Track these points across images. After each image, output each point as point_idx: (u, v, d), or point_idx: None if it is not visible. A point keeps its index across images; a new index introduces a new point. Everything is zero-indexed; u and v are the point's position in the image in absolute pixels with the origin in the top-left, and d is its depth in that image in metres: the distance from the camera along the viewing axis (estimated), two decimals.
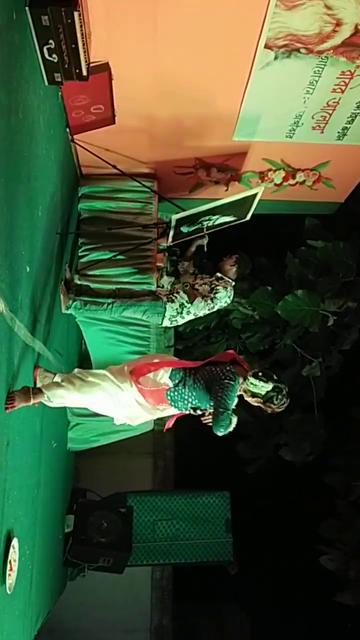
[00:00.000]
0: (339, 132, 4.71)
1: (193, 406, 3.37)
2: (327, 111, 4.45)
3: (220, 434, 3.29)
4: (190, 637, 7.11)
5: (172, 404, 3.40)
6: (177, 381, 3.36)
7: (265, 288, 5.87)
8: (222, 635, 7.36)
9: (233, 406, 3.33)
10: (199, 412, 3.39)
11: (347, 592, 5.77)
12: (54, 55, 3.29)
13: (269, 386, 3.30)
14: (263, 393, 3.31)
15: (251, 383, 3.31)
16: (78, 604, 6.00)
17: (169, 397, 3.38)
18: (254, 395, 3.34)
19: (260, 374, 3.33)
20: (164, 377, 3.37)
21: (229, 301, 4.73)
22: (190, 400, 3.37)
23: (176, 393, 3.36)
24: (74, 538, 5.32)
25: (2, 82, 2.69)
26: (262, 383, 3.30)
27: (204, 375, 3.37)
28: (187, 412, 3.42)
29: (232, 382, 3.29)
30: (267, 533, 6.71)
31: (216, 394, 3.27)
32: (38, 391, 3.25)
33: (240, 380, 3.35)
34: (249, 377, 3.33)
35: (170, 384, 3.37)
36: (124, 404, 3.41)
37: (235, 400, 3.36)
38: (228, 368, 3.36)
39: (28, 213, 3.31)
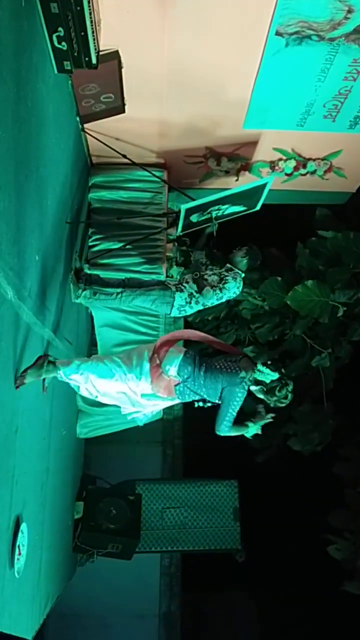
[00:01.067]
0: (350, 121, 4.66)
1: (202, 399, 3.39)
2: (339, 99, 4.41)
3: (220, 434, 3.38)
4: (198, 624, 7.19)
5: (180, 397, 3.41)
6: (186, 377, 3.34)
7: (275, 278, 5.84)
8: (230, 622, 7.42)
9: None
10: (208, 404, 3.41)
11: (355, 582, 5.78)
12: (63, 43, 3.29)
13: (275, 375, 3.30)
14: (267, 381, 3.32)
15: (258, 370, 3.32)
16: (87, 590, 6.08)
17: (177, 392, 3.38)
18: (257, 383, 3.34)
19: (269, 362, 3.33)
20: (171, 371, 3.35)
21: (238, 292, 4.72)
22: (200, 394, 3.38)
23: (185, 388, 3.37)
24: (83, 524, 5.39)
25: (11, 70, 2.69)
26: (268, 371, 3.30)
27: (214, 372, 3.34)
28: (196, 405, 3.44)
29: (243, 391, 3.32)
30: (275, 522, 6.74)
31: (226, 405, 3.31)
32: (52, 365, 3.24)
33: (249, 374, 3.35)
34: (258, 365, 3.33)
35: (179, 379, 3.35)
36: (134, 390, 3.39)
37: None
38: (241, 373, 3.34)
39: (37, 202, 3.33)
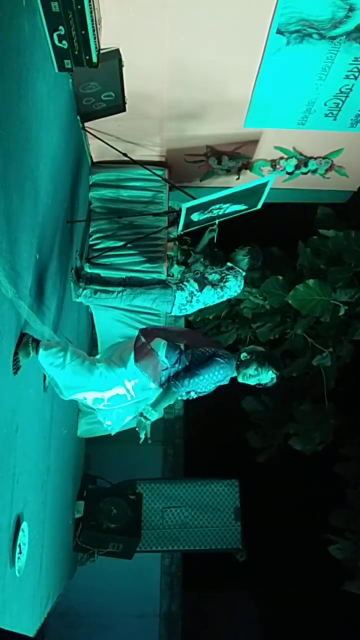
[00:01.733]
0: (352, 119, 4.65)
1: (188, 390, 3.25)
2: (340, 98, 4.40)
3: (174, 393, 3.20)
4: (198, 623, 7.18)
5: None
6: (173, 361, 3.22)
7: (276, 277, 5.84)
8: (230, 622, 7.41)
9: (196, 392, 3.24)
10: (193, 395, 3.28)
11: (356, 582, 5.78)
12: (64, 42, 3.28)
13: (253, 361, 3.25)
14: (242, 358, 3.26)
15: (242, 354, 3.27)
16: (88, 589, 6.08)
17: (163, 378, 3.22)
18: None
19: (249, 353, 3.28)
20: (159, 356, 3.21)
21: (239, 290, 4.72)
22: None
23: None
24: (84, 524, 5.39)
25: (12, 69, 2.69)
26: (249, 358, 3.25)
27: (199, 357, 3.23)
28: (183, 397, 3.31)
29: (223, 363, 3.19)
30: (276, 521, 6.73)
31: (202, 371, 3.17)
32: (35, 342, 3.08)
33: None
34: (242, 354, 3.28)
35: (166, 365, 3.21)
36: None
37: (207, 388, 3.25)
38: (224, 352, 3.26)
39: (38, 201, 3.32)
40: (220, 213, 4.57)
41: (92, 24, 3.24)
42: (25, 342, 3.00)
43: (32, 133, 3.12)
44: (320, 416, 6.01)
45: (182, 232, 4.70)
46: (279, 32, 3.80)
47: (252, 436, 6.49)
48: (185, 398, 3.32)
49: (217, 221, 4.55)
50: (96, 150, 4.99)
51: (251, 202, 4.66)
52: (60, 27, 3.22)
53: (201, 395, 3.33)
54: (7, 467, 2.83)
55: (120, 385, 3.24)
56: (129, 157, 4.80)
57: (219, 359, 3.21)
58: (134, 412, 3.39)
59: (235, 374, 3.28)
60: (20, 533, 3.02)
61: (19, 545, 3.00)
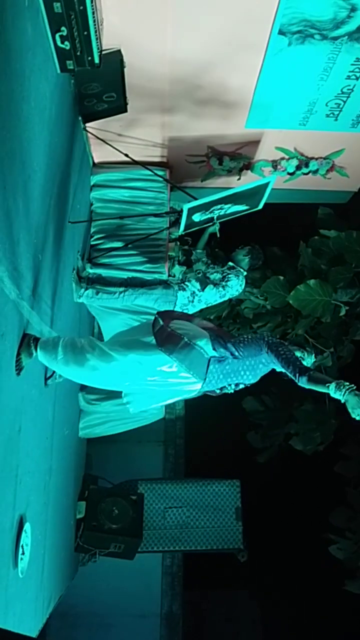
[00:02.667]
0: (353, 120, 4.65)
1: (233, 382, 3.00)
2: (342, 98, 4.40)
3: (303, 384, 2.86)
4: (199, 623, 7.19)
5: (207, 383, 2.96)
6: (222, 354, 2.92)
7: (277, 278, 5.84)
8: (231, 622, 7.43)
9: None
10: (240, 386, 3.05)
11: (356, 581, 5.79)
12: (66, 43, 3.28)
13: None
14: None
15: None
16: (89, 589, 6.08)
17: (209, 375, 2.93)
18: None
19: None
20: (205, 344, 2.92)
21: (240, 290, 4.72)
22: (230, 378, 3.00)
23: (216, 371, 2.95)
24: (85, 524, 5.38)
25: (14, 70, 2.69)
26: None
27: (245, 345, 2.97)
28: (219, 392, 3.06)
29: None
30: (277, 521, 6.74)
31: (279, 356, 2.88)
32: (37, 341, 3.00)
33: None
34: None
35: (213, 354, 2.91)
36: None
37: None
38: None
39: (40, 202, 3.33)
40: (221, 213, 4.57)
41: (94, 24, 3.24)
42: (27, 343, 2.98)
43: (35, 134, 3.12)
44: (321, 416, 6.02)
45: (183, 233, 4.70)
46: (280, 32, 3.80)
47: (252, 436, 6.49)
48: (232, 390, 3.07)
49: (216, 216, 4.50)
50: (97, 151, 4.99)
51: (252, 203, 4.67)
52: (63, 28, 3.22)
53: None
54: (10, 467, 2.83)
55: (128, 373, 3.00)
56: (130, 158, 4.80)
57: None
58: (165, 398, 3.19)
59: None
60: (23, 534, 3.02)
61: (22, 546, 3.00)
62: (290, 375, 2.86)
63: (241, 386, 3.06)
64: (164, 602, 6.53)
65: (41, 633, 3.83)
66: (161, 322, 3.01)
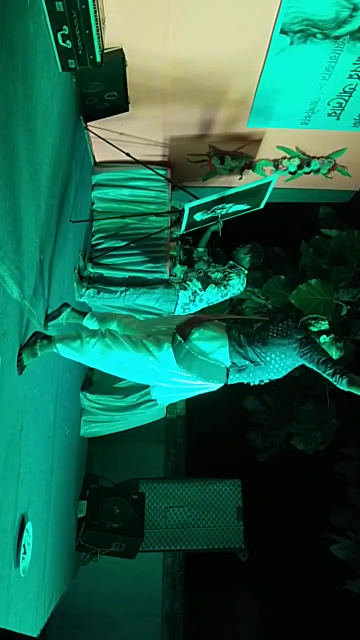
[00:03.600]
0: (355, 119, 4.65)
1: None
2: (344, 97, 4.40)
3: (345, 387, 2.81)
4: (200, 623, 7.19)
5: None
6: (242, 364, 2.91)
7: (278, 277, 5.84)
8: (232, 621, 7.43)
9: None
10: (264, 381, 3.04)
11: (358, 581, 5.79)
12: (68, 41, 3.28)
13: (326, 323, 3.14)
14: (327, 328, 3.11)
15: (314, 319, 3.10)
16: (90, 588, 6.08)
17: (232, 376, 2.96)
18: (321, 333, 3.08)
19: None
20: (221, 354, 2.90)
21: (241, 288, 4.72)
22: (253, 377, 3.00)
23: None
24: (86, 523, 5.39)
25: (16, 69, 2.69)
26: (319, 316, 3.13)
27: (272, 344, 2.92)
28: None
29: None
30: (278, 521, 6.74)
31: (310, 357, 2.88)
32: (46, 340, 2.98)
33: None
34: (312, 321, 3.11)
35: (229, 363, 2.92)
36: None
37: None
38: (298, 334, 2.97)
39: (42, 201, 3.32)
40: (223, 213, 4.57)
41: (96, 23, 3.24)
42: (33, 342, 2.95)
43: (37, 133, 3.12)
44: (322, 416, 6.02)
45: (184, 232, 4.70)
46: (282, 31, 3.80)
47: (253, 436, 6.49)
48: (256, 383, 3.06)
49: (220, 214, 4.50)
50: (99, 150, 4.98)
51: (254, 202, 4.66)
52: (65, 27, 3.22)
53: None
54: (12, 467, 2.83)
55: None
56: (131, 157, 4.79)
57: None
58: (190, 393, 3.19)
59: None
60: (25, 533, 3.02)
61: (24, 545, 3.00)
62: (329, 378, 2.84)
63: (266, 381, 3.05)
64: (165, 601, 6.54)
65: (42, 632, 3.83)
66: (179, 339, 2.95)
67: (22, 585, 3.06)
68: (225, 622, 7.39)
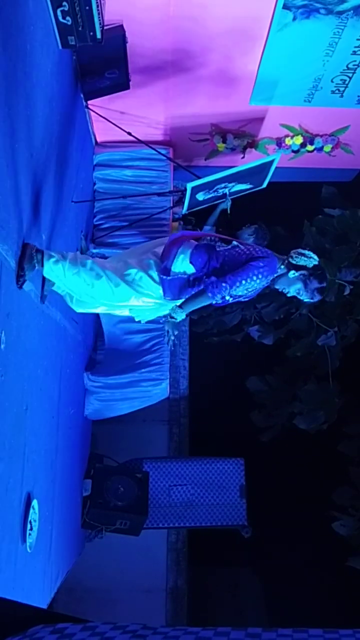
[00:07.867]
0: (359, 96, 4.60)
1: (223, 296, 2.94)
2: (347, 74, 4.34)
3: (213, 298, 2.90)
4: (204, 598, 7.30)
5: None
6: (200, 266, 2.94)
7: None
8: (235, 596, 7.55)
9: (230, 297, 2.93)
10: (230, 300, 3.03)
11: (359, 557, 5.87)
12: (68, 18, 3.24)
13: (315, 258, 2.99)
14: (311, 265, 2.98)
15: (299, 253, 2.99)
16: (96, 565, 6.18)
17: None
18: (298, 268, 2.97)
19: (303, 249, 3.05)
20: (183, 263, 2.94)
21: None
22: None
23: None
24: (91, 502, 5.45)
25: (16, 46, 2.66)
26: (310, 254, 3.01)
27: (233, 259, 2.95)
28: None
29: (262, 268, 2.87)
30: (280, 499, 6.81)
31: (243, 273, 2.86)
32: (40, 253, 2.92)
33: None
34: (293, 253, 3.02)
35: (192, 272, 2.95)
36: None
37: (243, 293, 2.94)
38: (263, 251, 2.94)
39: (43, 181, 3.31)
40: (225, 192, 4.54)
41: None
42: (30, 255, 2.82)
43: (36, 111, 3.09)
44: (324, 395, 6.04)
45: (187, 212, 4.67)
46: (285, 7, 3.74)
47: (256, 415, 6.53)
48: (221, 304, 3.04)
49: (229, 192, 4.45)
50: (100, 129, 4.95)
51: (257, 181, 4.63)
52: (64, 3, 3.18)
53: (241, 301, 3.11)
54: (18, 445, 2.87)
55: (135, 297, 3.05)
56: (133, 136, 4.75)
57: (256, 263, 2.89)
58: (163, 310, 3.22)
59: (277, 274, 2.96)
60: (31, 510, 3.07)
61: (30, 522, 3.05)
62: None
63: (230, 300, 3.03)
64: (169, 577, 6.64)
65: (49, 607, 3.91)
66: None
67: (28, 561, 3.12)
68: (228, 598, 7.52)
